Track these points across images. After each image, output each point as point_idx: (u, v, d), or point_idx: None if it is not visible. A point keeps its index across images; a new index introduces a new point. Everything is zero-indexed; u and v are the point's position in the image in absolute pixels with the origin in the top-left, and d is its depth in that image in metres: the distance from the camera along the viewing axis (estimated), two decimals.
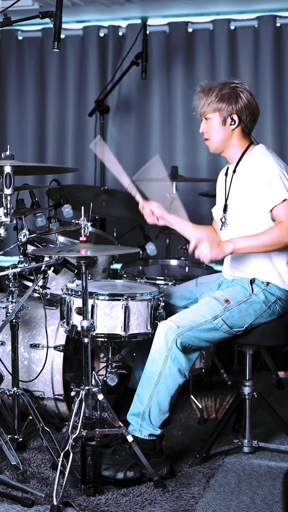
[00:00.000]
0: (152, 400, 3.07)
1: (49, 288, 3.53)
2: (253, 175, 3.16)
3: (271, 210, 3.11)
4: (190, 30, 5.15)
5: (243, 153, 3.24)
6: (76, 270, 3.43)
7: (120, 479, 2.99)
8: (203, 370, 3.97)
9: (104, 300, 3.20)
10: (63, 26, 3.45)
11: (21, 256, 3.23)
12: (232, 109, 3.19)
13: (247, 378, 3.33)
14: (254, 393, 3.32)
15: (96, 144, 3.48)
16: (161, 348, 3.06)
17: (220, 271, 3.46)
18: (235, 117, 3.20)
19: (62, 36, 4.79)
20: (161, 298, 3.28)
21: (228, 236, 3.25)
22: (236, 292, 3.18)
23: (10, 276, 3.21)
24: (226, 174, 3.33)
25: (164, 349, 3.05)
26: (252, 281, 3.18)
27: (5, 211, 3.00)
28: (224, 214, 3.30)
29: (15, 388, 3.25)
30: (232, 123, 3.21)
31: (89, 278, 3.36)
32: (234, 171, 3.26)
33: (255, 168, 3.17)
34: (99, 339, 3.24)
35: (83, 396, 2.96)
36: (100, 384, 3.09)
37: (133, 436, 3.03)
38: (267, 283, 3.17)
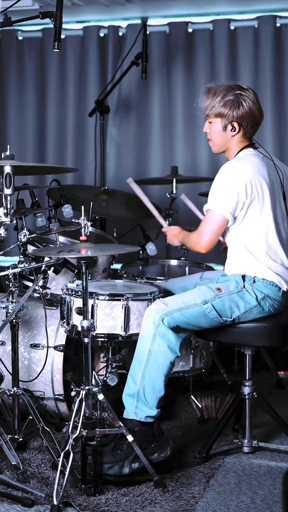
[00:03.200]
0: (145, 379, 3.09)
1: (49, 288, 3.53)
2: None
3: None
4: (190, 30, 5.15)
5: (236, 155, 3.26)
6: (76, 270, 3.43)
7: (126, 473, 3.00)
8: (203, 370, 3.98)
9: (104, 300, 3.20)
10: (63, 26, 3.46)
11: (21, 256, 3.23)
12: (233, 117, 3.21)
13: (247, 378, 3.33)
14: (254, 393, 3.33)
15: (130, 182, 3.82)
16: (149, 326, 3.09)
17: (220, 271, 3.49)
18: (235, 124, 3.22)
19: (62, 36, 4.79)
20: (161, 298, 3.29)
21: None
22: (228, 284, 3.22)
23: (10, 276, 3.21)
24: None
25: (152, 327, 3.08)
26: (243, 277, 3.21)
27: (5, 211, 3.01)
28: None
29: (15, 388, 3.25)
30: (233, 130, 3.24)
31: (89, 278, 3.36)
32: None
33: None
34: (99, 339, 3.24)
35: (83, 396, 2.96)
36: (100, 384, 3.09)
37: (132, 434, 3.02)
38: (254, 281, 3.20)
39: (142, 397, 3.09)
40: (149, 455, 3.05)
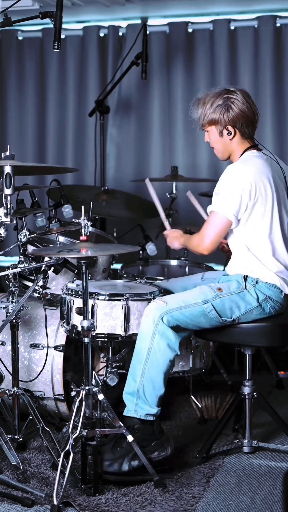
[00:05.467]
0: (144, 377, 3.09)
1: (49, 288, 3.53)
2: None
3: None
4: (190, 30, 5.15)
5: (240, 157, 3.26)
6: (76, 270, 3.43)
7: (125, 471, 3.00)
8: (203, 370, 3.98)
9: (104, 300, 3.20)
10: (63, 26, 3.45)
11: (21, 256, 3.23)
12: (226, 121, 3.21)
13: (247, 378, 3.33)
14: (254, 393, 3.33)
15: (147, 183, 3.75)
16: (149, 324, 3.09)
17: (221, 271, 3.49)
18: (230, 127, 3.22)
19: (62, 36, 4.79)
20: (161, 296, 3.28)
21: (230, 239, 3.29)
22: (230, 284, 3.21)
23: (10, 276, 3.21)
24: None
25: (151, 325, 3.09)
26: (245, 277, 3.21)
27: (5, 211, 3.01)
28: None
29: (15, 388, 3.25)
30: (229, 133, 3.24)
31: (89, 278, 3.36)
32: None
33: None
34: (99, 339, 3.24)
35: (83, 396, 2.96)
36: (100, 384, 3.09)
37: (132, 433, 3.02)
38: (256, 281, 3.19)
39: (142, 395, 3.09)
40: (149, 453, 3.05)
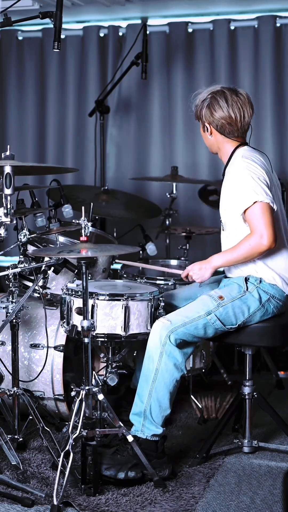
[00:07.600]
0: (151, 397, 3.08)
1: (49, 288, 3.53)
2: (231, 179, 3.18)
3: (244, 213, 3.12)
4: (190, 30, 5.15)
5: (230, 156, 3.25)
6: (76, 270, 3.43)
7: (121, 479, 2.99)
8: (203, 370, 3.98)
9: (104, 300, 3.20)
10: (63, 26, 3.46)
11: (21, 256, 3.23)
12: (205, 118, 3.24)
13: (247, 378, 3.33)
14: (254, 393, 3.33)
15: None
16: (156, 344, 3.08)
17: (221, 272, 3.47)
18: (207, 124, 3.25)
19: (62, 36, 4.79)
20: (161, 298, 3.28)
21: (224, 238, 3.28)
22: (231, 289, 3.20)
23: (10, 276, 3.21)
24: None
25: (159, 345, 3.07)
26: (246, 279, 3.20)
27: (5, 211, 3.01)
28: (220, 216, 3.33)
29: (15, 388, 3.25)
30: (206, 130, 3.26)
31: (89, 278, 3.36)
32: (223, 174, 3.28)
33: (233, 172, 3.19)
34: (99, 339, 3.24)
35: (83, 396, 2.96)
36: (100, 384, 3.09)
37: (134, 436, 3.03)
38: (260, 281, 3.18)
39: (148, 415, 3.09)
40: (145, 469, 3.03)
